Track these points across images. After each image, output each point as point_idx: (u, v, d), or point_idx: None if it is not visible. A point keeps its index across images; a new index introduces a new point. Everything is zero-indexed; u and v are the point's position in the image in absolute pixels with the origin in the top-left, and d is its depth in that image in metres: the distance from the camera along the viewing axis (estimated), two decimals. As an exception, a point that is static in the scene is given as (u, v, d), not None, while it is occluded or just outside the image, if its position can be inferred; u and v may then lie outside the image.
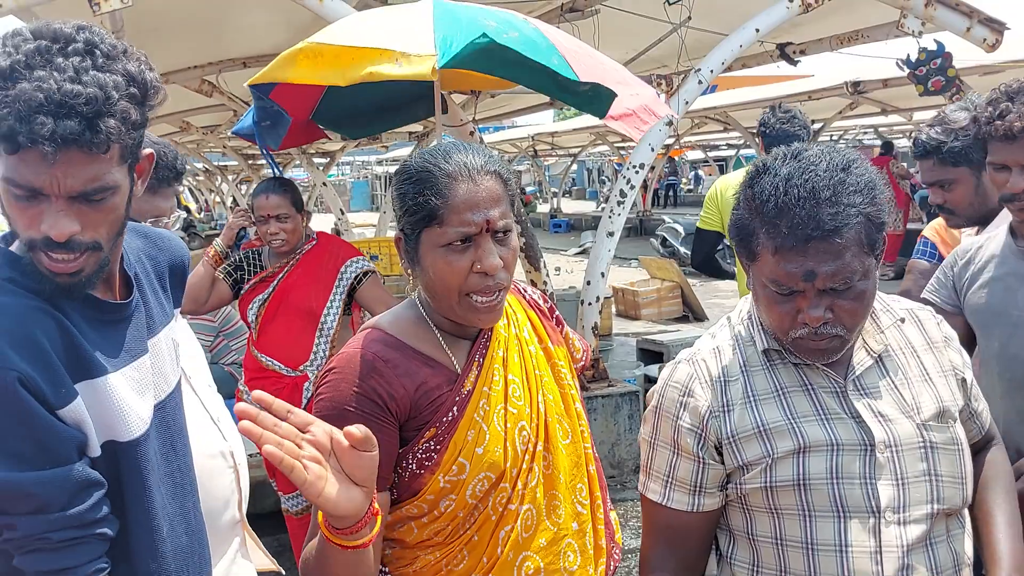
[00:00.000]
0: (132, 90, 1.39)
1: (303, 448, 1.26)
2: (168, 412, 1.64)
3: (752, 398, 1.60)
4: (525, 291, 1.89)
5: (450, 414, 1.60)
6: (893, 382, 1.61)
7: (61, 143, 1.30)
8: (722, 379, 1.63)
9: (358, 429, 1.27)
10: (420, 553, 1.63)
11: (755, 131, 4.22)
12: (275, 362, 3.87)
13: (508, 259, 1.60)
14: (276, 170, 4.37)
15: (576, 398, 1.79)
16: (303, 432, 1.28)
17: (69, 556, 1.38)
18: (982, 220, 2.76)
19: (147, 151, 1.52)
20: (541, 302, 1.90)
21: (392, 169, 21.29)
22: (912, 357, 1.66)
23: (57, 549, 1.37)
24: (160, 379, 1.63)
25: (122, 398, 1.49)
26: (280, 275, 3.88)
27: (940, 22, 5.75)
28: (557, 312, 1.96)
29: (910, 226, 15.41)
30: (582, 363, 2.02)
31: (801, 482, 1.53)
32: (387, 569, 1.66)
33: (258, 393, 1.30)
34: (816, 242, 1.44)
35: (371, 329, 1.69)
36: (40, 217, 1.36)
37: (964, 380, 1.69)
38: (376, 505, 1.35)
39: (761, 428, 1.57)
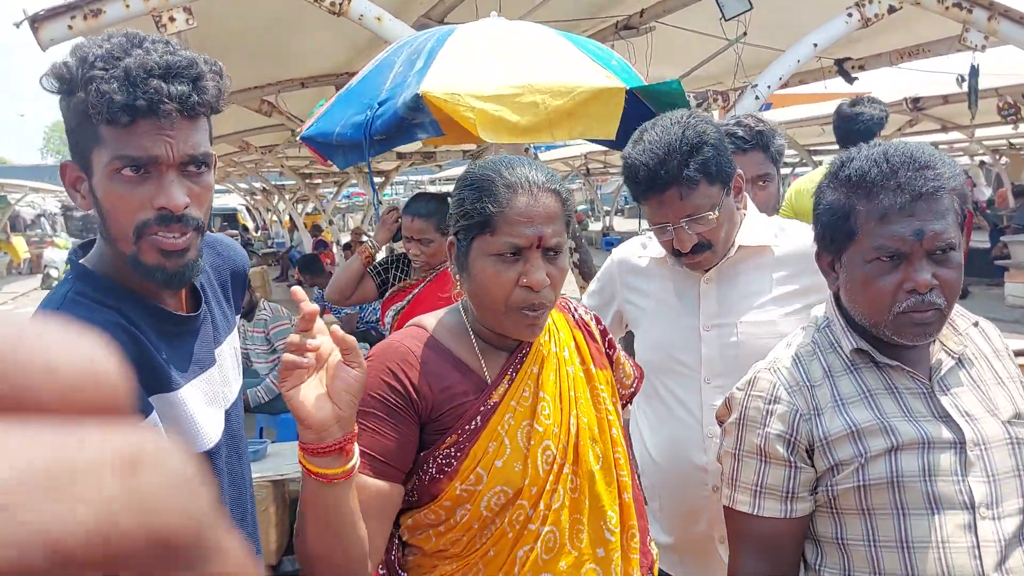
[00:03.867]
0: (213, 67, 1.46)
1: (306, 356, 1.33)
2: (232, 420, 1.67)
3: (840, 401, 1.60)
4: (576, 310, 1.86)
5: (473, 423, 1.59)
6: (975, 382, 1.64)
7: (178, 104, 1.36)
8: (807, 384, 1.64)
9: (345, 337, 1.34)
10: (438, 563, 1.63)
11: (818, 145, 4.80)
12: None
13: (556, 278, 1.60)
14: (373, 188, 4.44)
15: (615, 424, 1.76)
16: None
17: None
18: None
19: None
20: (594, 324, 1.88)
21: (447, 188, 21.48)
22: (984, 361, 1.67)
23: None
24: (225, 387, 1.66)
25: (194, 410, 1.52)
26: (416, 289, 3.94)
27: (1004, 36, 5.64)
28: (610, 336, 1.93)
29: (974, 244, 15.07)
30: (633, 389, 1.98)
31: (894, 480, 1.54)
32: None
33: (304, 304, 1.36)
34: (923, 201, 1.50)
35: (413, 326, 1.71)
36: (151, 194, 1.40)
37: None
38: (354, 451, 1.37)
39: (853, 429, 1.57)
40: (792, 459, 1.61)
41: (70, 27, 3.92)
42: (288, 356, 1.32)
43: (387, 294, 4.10)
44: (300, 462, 1.35)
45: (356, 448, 1.39)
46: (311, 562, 1.43)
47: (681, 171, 2.03)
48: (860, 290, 1.59)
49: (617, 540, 1.69)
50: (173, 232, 1.43)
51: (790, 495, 1.62)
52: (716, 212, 2.06)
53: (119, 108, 1.33)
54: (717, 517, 2.08)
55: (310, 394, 1.31)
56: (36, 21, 3.84)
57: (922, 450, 1.54)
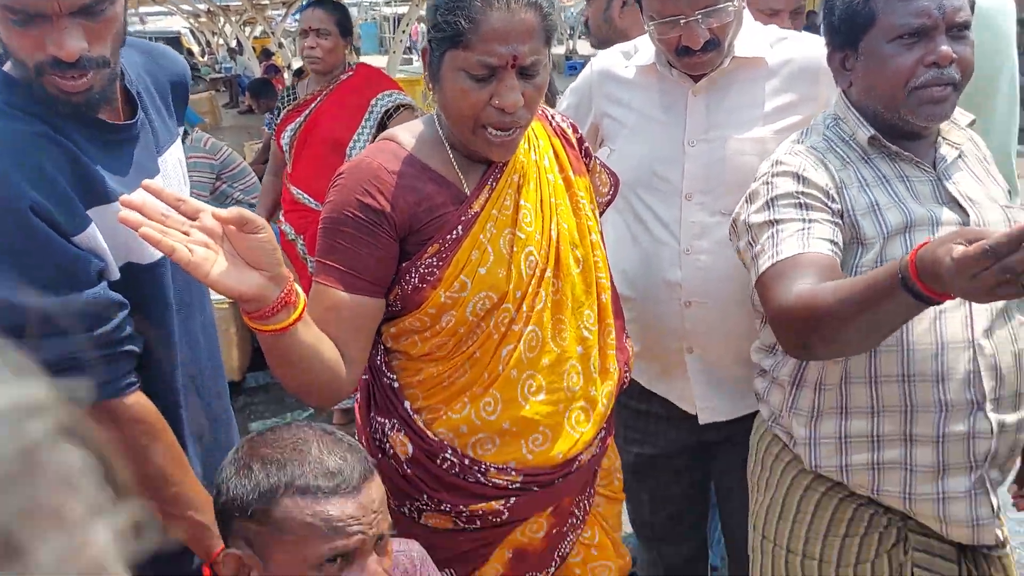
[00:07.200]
0: None
1: (190, 235, 1.27)
2: None
3: (862, 181, 1.68)
4: (553, 118, 1.83)
5: (455, 232, 1.59)
6: (974, 174, 1.74)
7: None
8: (831, 165, 1.69)
9: (230, 212, 1.28)
10: (424, 365, 1.68)
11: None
12: (304, 195, 3.76)
13: (532, 97, 1.53)
14: None
15: (594, 229, 1.78)
16: (192, 220, 1.29)
17: (99, 373, 1.41)
18: (606, 44, 2.64)
19: None
20: (570, 132, 1.84)
21: (401, 10, 20.61)
22: (976, 160, 1.77)
23: (87, 368, 1.38)
24: None
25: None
26: (313, 104, 3.78)
27: None
28: (587, 144, 1.90)
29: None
30: (609, 196, 1.98)
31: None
32: (395, 377, 1.71)
33: (147, 182, 1.30)
34: None
35: (386, 140, 1.68)
36: (44, 38, 1.31)
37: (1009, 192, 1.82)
38: (296, 293, 1.37)
39: (874, 206, 1.64)
40: (832, 217, 1.62)
41: None
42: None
43: (280, 115, 3.91)
44: (249, 325, 1.36)
45: (299, 291, 1.38)
46: (293, 392, 1.52)
47: None
48: (879, 71, 1.65)
49: (595, 337, 1.75)
50: (70, 76, 1.34)
51: (834, 242, 1.60)
52: (736, 3, 1.90)
53: None
54: (689, 330, 2.10)
55: (230, 273, 1.28)
56: None
57: (932, 228, 1.62)
